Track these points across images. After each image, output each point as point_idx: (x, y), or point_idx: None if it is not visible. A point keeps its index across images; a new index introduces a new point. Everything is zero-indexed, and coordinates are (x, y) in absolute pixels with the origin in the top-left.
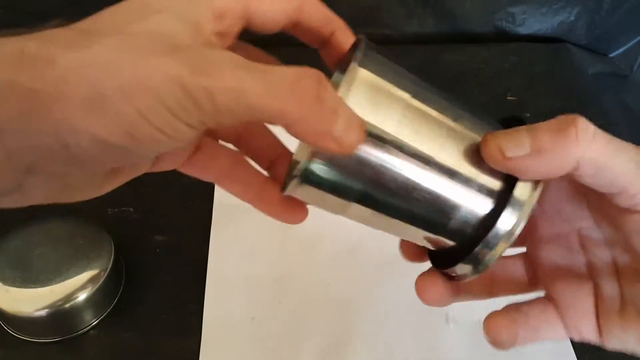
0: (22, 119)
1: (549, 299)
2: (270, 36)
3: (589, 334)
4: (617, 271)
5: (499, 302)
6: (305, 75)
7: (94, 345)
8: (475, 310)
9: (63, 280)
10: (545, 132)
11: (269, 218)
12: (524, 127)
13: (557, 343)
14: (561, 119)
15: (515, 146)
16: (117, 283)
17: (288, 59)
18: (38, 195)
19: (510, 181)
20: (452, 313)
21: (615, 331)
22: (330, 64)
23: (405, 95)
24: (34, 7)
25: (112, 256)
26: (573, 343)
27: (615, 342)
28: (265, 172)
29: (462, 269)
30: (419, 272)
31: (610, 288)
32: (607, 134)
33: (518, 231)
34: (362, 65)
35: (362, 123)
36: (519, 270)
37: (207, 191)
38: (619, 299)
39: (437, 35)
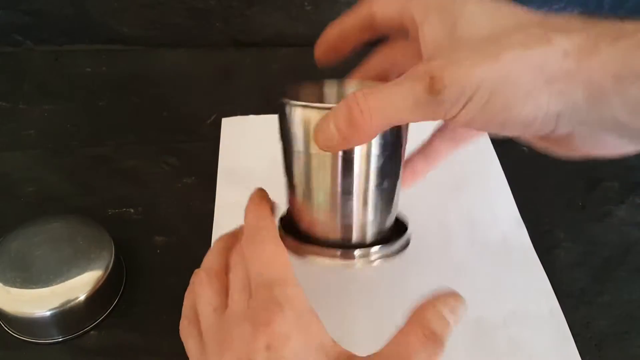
0: None
1: None
2: (270, 36)
3: None
4: None
5: (499, 301)
6: None
7: (95, 346)
8: (475, 307)
9: (64, 281)
10: (341, 122)
11: None
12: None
13: (559, 342)
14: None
15: (327, 139)
16: (118, 283)
17: (287, 59)
18: None
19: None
20: None
21: None
22: None
23: None
24: (34, 7)
25: (113, 256)
26: (576, 343)
27: None
28: None
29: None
30: (419, 272)
31: None
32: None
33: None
34: None
35: None
36: None
37: (208, 191)
38: None
39: None
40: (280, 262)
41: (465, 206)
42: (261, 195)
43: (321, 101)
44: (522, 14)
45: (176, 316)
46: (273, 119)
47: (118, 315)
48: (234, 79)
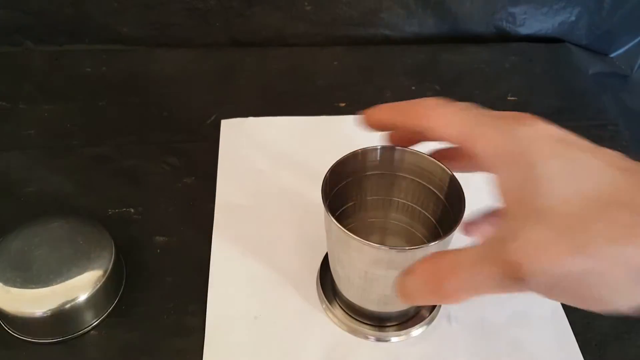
0: None
1: None
2: (270, 36)
3: None
4: None
5: (501, 302)
6: None
7: (95, 346)
8: (478, 309)
9: (64, 281)
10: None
11: (269, 219)
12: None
13: (562, 343)
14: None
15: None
16: (118, 283)
17: (287, 59)
18: None
19: None
20: (454, 312)
21: None
22: None
23: None
24: (34, 7)
25: (113, 256)
26: (579, 344)
27: None
28: None
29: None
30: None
31: None
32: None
33: None
34: None
35: None
36: None
37: (208, 191)
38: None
39: (437, 36)
40: None
41: (466, 206)
42: None
43: (364, 171)
44: (603, 175)
45: (176, 316)
46: (272, 121)
47: (118, 315)
48: (234, 79)
